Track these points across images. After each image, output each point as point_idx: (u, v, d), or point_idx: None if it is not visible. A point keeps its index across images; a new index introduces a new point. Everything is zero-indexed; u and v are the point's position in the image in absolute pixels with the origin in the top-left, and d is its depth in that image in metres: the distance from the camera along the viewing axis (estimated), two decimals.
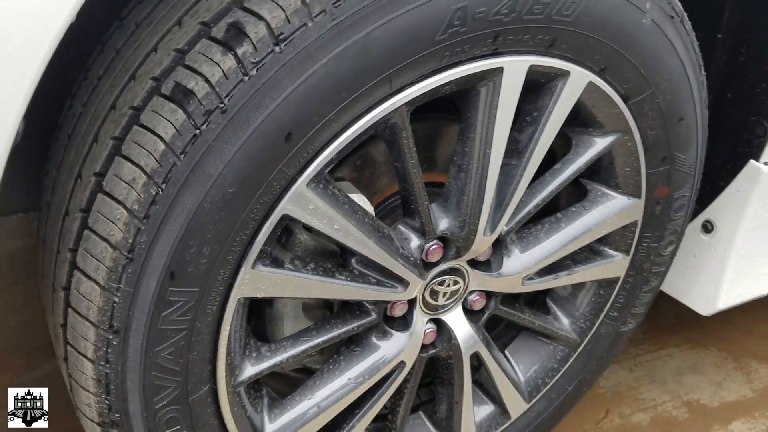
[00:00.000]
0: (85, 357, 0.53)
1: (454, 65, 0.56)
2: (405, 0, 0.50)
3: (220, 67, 0.47)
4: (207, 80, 0.47)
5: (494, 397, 0.88)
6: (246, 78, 0.47)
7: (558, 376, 0.91)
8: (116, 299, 0.50)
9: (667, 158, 0.78)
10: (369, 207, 0.67)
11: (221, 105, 0.47)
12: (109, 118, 0.51)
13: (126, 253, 0.49)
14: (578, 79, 0.65)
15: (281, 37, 0.47)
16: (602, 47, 0.63)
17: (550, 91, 0.65)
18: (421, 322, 0.74)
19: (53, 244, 0.56)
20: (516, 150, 0.67)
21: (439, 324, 0.77)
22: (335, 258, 0.65)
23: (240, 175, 0.49)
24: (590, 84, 0.66)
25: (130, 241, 0.49)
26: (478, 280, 0.75)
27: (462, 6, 0.52)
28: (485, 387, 0.88)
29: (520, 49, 0.59)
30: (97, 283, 0.50)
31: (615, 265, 0.85)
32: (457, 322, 0.77)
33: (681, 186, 0.81)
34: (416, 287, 0.69)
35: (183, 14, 0.50)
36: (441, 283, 0.73)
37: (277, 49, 0.47)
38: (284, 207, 0.54)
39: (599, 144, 0.74)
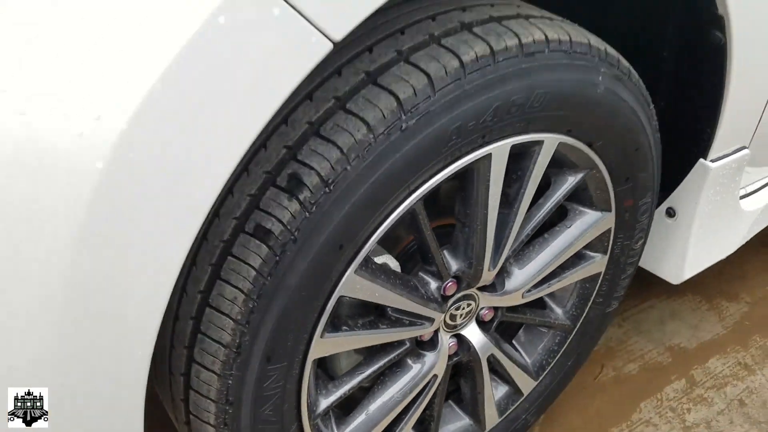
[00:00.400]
0: (208, 423, 0.71)
1: (455, 161, 0.72)
2: (416, 134, 0.65)
3: (288, 210, 0.62)
4: (280, 221, 0.62)
5: (508, 380, 1.08)
6: (308, 214, 0.63)
7: (558, 355, 1.10)
8: (230, 382, 0.67)
9: (629, 178, 0.94)
10: (396, 265, 0.84)
11: (293, 237, 0.63)
12: (204, 248, 0.66)
13: (235, 350, 0.66)
14: (551, 142, 0.81)
15: (329, 181, 0.62)
16: (567, 117, 0.79)
17: (530, 155, 0.81)
18: (445, 340, 0.92)
19: (165, 339, 0.72)
20: (507, 201, 0.84)
21: (459, 337, 0.95)
22: (374, 310, 0.83)
23: (309, 281, 0.66)
24: (560, 143, 0.82)
25: (237, 341, 0.65)
26: (486, 300, 0.93)
27: (458, 125, 0.68)
28: (500, 372, 1.07)
29: (503, 136, 0.74)
30: (214, 372, 0.67)
31: (596, 264, 1.03)
32: (473, 333, 0.95)
33: (643, 195, 0.98)
34: (439, 319, 0.87)
35: (247, 162, 0.65)
36: (457, 309, 0.90)
37: (327, 190, 0.63)
38: (339, 291, 0.70)
39: (573, 179, 0.90)
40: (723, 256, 1.24)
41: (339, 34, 0.50)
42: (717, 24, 0.84)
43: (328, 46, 0.50)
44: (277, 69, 0.48)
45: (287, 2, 0.46)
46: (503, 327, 1.10)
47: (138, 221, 0.49)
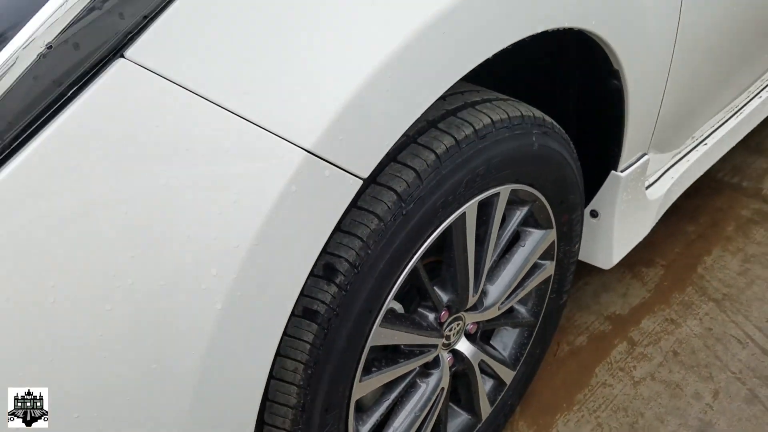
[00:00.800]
0: None
1: (440, 224, 0.91)
2: (414, 215, 0.84)
3: (329, 293, 0.80)
4: (323, 302, 0.80)
5: (493, 376, 1.30)
6: (344, 293, 0.81)
7: (528, 346, 1.33)
8: None
9: (563, 201, 1.18)
10: (400, 307, 1.03)
11: (335, 313, 0.81)
12: None
13: (300, 409, 0.83)
14: (505, 191, 1.02)
15: (357, 264, 0.80)
16: (515, 172, 1.00)
17: (491, 203, 1.02)
18: (444, 357, 1.12)
19: None
20: (479, 240, 1.04)
21: (454, 352, 1.16)
22: (389, 348, 1.02)
23: (350, 342, 0.84)
24: (512, 189, 1.04)
25: (302, 401, 0.82)
26: (471, 317, 1.14)
27: (442, 200, 0.87)
28: (486, 371, 1.29)
29: (472, 197, 0.95)
30: (285, 430, 0.84)
31: (547, 269, 1.26)
32: (464, 346, 1.16)
33: (575, 211, 1.22)
34: (440, 343, 1.07)
35: None
36: (450, 330, 1.11)
37: (356, 271, 0.81)
38: (370, 343, 0.89)
39: (522, 212, 1.12)
40: (641, 238, 1.52)
41: (366, 173, 0.68)
42: (614, 75, 1.08)
43: (360, 183, 0.68)
44: (330, 208, 0.66)
45: (334, 165, 0.63)
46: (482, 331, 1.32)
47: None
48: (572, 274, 1.36)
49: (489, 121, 0.92)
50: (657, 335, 1.67)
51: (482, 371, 1.25)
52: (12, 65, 0.49)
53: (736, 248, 1.93)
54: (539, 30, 0.82)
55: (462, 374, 1.20)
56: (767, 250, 1.90)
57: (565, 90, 1.23)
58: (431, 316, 1.05)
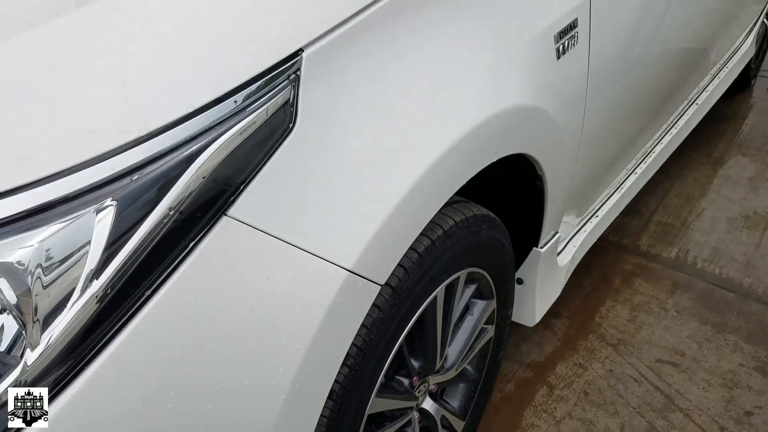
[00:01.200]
0: None
1: (419, 308, 1.13)
2: (403, 305, 1.05)
3: (342, 373, 0.98)
4: (338, 382, 0.98)
5: (448, 427, 1.51)
6: (354, 373, 0.99)
7: (475, 398, 1.56)
8: None
9: (501, 276, 1.44)
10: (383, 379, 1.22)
11: (347, 390, 0.99)
12: None
13: None
14: (463, 274, 1.26)
15: (364, 348, 1.00)
16: (471, 259, 1.25)
17: (453, 285, 1.25)
18: (415, 416, 1.32)
19: None
20: (444, 316, 1.27)
21: (421, 410, 1.36)
22: (376, 414, 1.20)
23: (356, 413, 1.02)
24: (468, 272, 1.28)
25: None
26: (434, 379, 1.35)
27: (424, 290, 1.09)
28: (444, 424, 1.50)
29: (441, 283, 1.17)
30: None
31: (489, 332, 1.51)
32: (429, 405, 1.37)
33: (510, 282, 1.49)
34: (414, 405, 1.27)
35: None
36: (419, 392, 1.31)
37: (363, 353, 1.00)
38: (368, 411, 1.07)
39: (472, 288, 1.37)
40: (555, 298, 1.82)
41: (384, 280, 0.89)
42: (538, 179, 1.37)
43: (380, 288, 0.88)
44: (359, 310, 0.86)
45: (365, 278, 0.83)
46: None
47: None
48: (507, 334, 1.62)
49: (453, 222, 1.16)
50: (570, 378, 1.96)
51: (441, 425, 1.46)
52: (154, 228, 0.65)
53: (624, 299, 2.30)
54: (495, 159, 1.07)
55: (425, 428, 1.41)
56: (649, 300, 2.28)
57: (497, 187, 1.51)
58: (406, 382, 1.25)
